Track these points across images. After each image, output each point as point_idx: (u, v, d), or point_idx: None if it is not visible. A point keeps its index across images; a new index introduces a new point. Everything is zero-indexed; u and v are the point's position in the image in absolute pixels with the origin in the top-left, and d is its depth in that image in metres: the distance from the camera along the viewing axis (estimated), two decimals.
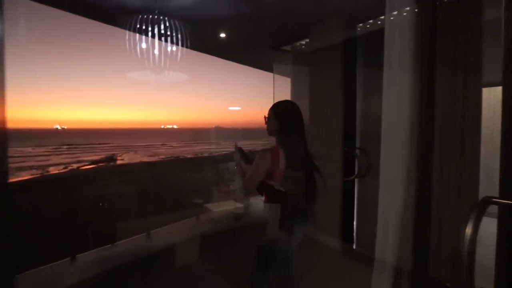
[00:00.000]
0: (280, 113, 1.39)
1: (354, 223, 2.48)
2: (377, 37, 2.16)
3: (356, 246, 2.45)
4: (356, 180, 2.38)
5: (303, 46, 2.82)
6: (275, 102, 1.47)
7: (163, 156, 26.79)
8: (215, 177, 3.92)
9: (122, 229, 2.36)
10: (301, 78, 2.78)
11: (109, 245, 2.17)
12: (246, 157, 1.50)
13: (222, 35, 2.61)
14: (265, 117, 1.43)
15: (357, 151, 2.35)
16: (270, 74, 3.15)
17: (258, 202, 3.46)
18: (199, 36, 2.66)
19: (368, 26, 2.20)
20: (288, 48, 2.92)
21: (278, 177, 1.31)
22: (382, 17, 2.06)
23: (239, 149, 1.51)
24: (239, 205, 2.94)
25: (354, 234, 2.48)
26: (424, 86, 0.92)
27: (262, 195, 1.44)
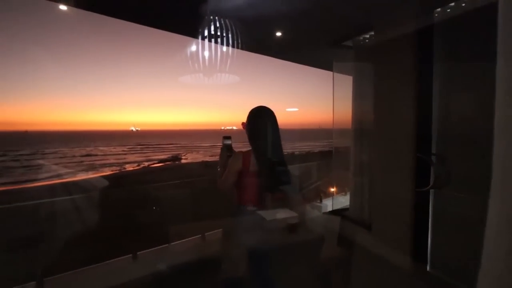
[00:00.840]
0: (252, 119, 1.49)
1: (429, 240, 2.14)
2: (462, 22, 1.83)
3: (430, 267, 2.12)
4: (431, 191, 2.05)
5: (367, 40, 2.56)
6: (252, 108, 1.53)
7: None
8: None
9: (177, 230, 2.43)
10: (365, 75, 2.52)
11: (166, 245, 2.25)
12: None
13: (278, 33, 2.50)
14: (243, 123, 1.52)
15: (433, 157, 2.01)
16: (330, 73, 2.94)
17: (315, 213, 3.28)
18: (254, 36, 2.61)
19: (448, 10, 1.87)
20: (349, 43, 2.68)
21: (248, 179, 1.38)
22: None
23: (227, 147, 1.54)
24: (294, 214, 2.79)
25: (428, 253, 2.14)
26: None
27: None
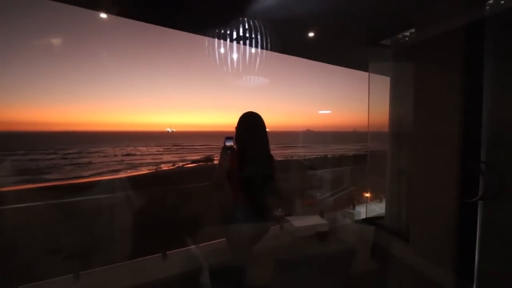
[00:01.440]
0: (238, 124, 1.62)
1: (476, 257, 1.95)
2: None
3: (477, 287, 1.92)
4: (479, 202, 1.86)
5: (407, 38, 2.40)
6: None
7: None
8: (302, 185, 3.75)
9: (205, 231, 2.44)
10: (404, 76, 2.37)
11: (194, 246, 2.27)
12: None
13: (310, 34, 2.43)
14: (235, 127, 1.64)
15: (482, 165, 1.82)
16: (365, 74, 2.80)
17: (347, 221, 3.14)
18: (286, 37, 2.57)
19: (502, 2, 1.68)
20: (387, 42, 2.54)
21: (234, 177, 1.51)
22: None
23: (228, 148, 1.61)
24: (324, 221, 2.68)
25: (475, 271, 1.94)
26: None
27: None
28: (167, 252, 2.21)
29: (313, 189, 3.60)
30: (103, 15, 2.22)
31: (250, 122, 1.64)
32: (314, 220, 2.94)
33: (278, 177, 1.68)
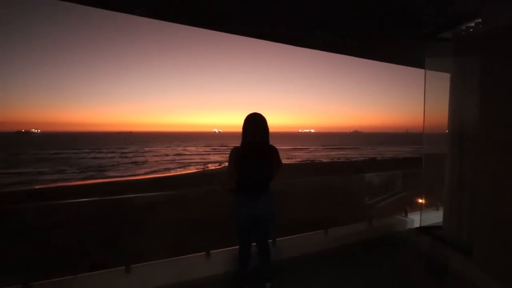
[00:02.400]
0: (244, 122, 1.88)
1: None
2: None
3: None
4: None
5: (471, 30, 2.16)
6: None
7: (299, 159, 27.70)
8: (348, 189, 3.58)
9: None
10: (468, 71, 2.14)
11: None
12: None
13: (360, 30, 2.32)
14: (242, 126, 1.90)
15: None
16: (420, 71, 2.59)
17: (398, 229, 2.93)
18: (332, 36, 2.49)
19: None
20: (447, 35, 2.31)
21: (239, 168, 1.82)
22: None
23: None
24: (373, 229, 2.51)
25: None
26: None
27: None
28: (210, 251, 2.27)
29: (361, 193, 3.41)
30: (160, 21, 2.39)
31: (251, 121, 1.89)
32: (361, 227, 2.79)
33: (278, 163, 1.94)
